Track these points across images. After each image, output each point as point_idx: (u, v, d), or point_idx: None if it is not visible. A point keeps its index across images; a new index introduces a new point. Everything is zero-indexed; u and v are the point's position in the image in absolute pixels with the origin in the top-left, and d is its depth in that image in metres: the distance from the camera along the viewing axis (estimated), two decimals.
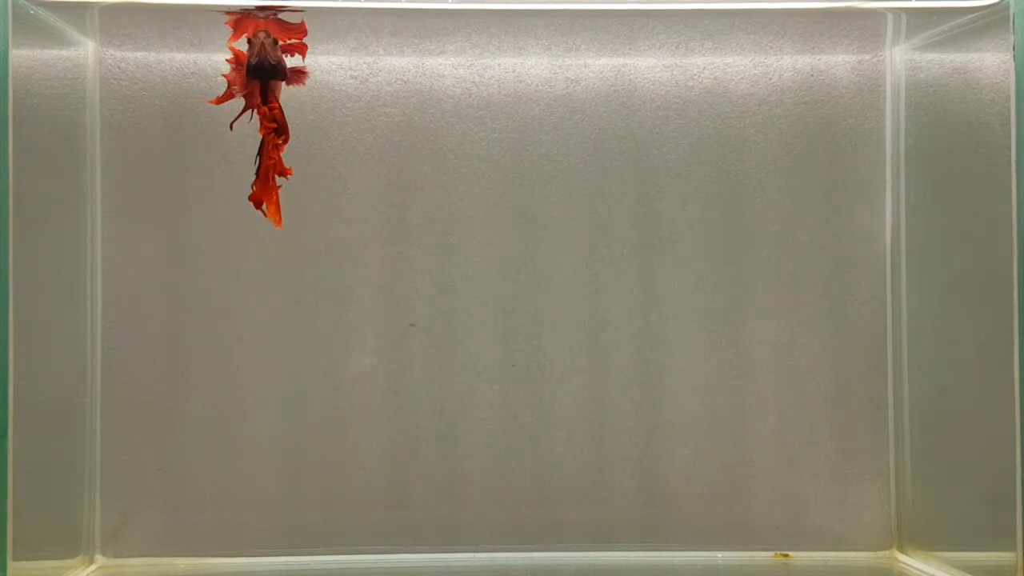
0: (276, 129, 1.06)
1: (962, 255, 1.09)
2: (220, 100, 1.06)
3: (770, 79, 1.18)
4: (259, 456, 1.16)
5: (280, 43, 1.05)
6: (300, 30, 1.05)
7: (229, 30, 1.06)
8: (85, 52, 1.13)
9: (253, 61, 1.04)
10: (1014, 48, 0.98)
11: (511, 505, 1.17)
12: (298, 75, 1.07)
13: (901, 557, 1.17)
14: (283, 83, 1.06)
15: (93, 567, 1.13)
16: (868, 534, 1.18)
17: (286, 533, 1.16)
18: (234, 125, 1.07)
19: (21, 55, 0.99)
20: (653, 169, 1.18)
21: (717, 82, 1.18)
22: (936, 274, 1.14)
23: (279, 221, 1.08)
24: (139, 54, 1.15)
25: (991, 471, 1.02)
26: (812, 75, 1.19)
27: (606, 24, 1.10)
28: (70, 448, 1.11)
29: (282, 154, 1.07)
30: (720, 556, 1.17)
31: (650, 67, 1.18)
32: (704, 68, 1.18)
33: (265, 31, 1.05)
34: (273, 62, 1.05)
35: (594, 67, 1.18)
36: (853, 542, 1.18)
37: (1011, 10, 0.98)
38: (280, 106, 1.06)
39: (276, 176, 1.07)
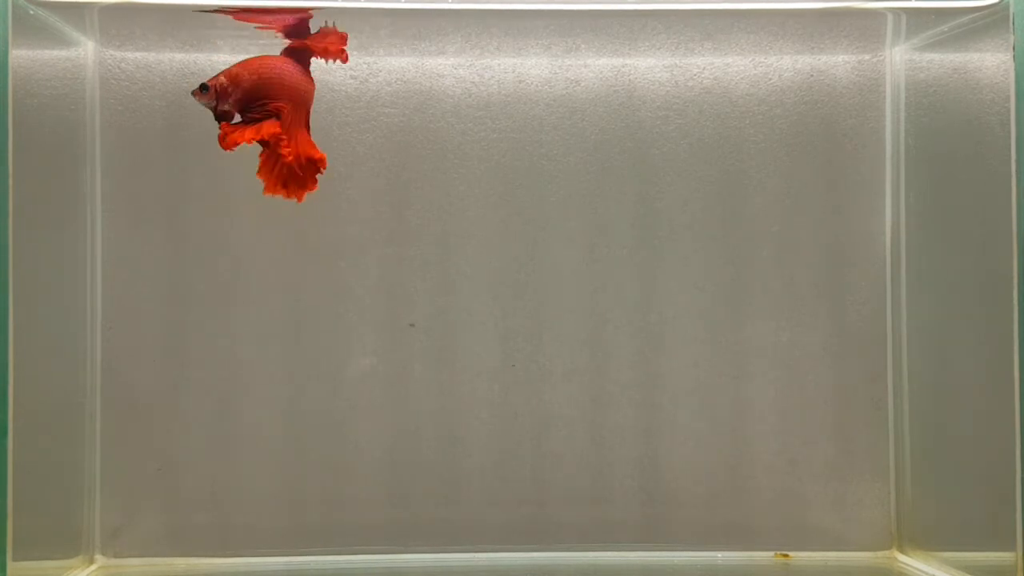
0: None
1: (962, 255, 1.09)
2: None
3: (770, 79, 1.18)
4: (259, 456, 1.16)
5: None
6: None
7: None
8: (85, 52, 1.13)
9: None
10: (1014, 48, 0.98)
11: (511, 505, 1.17)
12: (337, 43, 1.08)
13: (901, 557, 1.17)
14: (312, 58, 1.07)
15: (93, 567, 1.13)
16: (868, 534, 1.18)
17: (286, 533, 1.16)
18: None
19: (21, 55, 0.99)
20: (653, 169, 1.18)
21: (717, 82, 1.18)
22: (936, 274, 1.14)
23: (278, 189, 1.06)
24: (139, 54, 1.15)
25: (991, 471, 1.02)
26: (812, 75, 1.19)
27: (606, 24, 1.10)
28: (70, 448, 1.11)
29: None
30: (720, 556, 1.17)
31: (650, 67, 1.18)
32: (704, 68, 1.18)
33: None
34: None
35: (594, 67, 1.18)
36: (853, 542, 1.18)
37: (1011, 10, 0.98)
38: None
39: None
